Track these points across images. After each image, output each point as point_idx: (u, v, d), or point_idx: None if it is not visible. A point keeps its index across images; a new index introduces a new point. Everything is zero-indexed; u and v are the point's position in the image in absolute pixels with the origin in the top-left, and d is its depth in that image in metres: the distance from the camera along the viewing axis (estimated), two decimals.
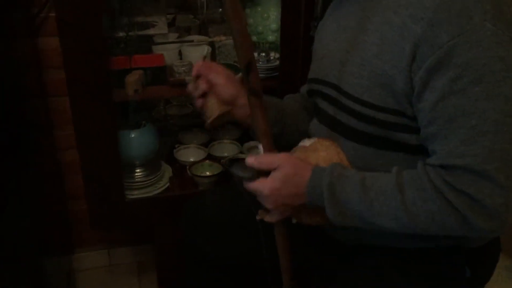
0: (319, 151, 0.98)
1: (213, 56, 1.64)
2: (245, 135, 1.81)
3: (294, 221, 1.01)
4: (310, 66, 1.20)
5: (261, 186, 0.91)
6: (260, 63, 1.53)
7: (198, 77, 1.04)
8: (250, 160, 0.92)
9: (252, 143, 1.77)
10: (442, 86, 0.81)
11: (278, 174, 0.90)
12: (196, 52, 1.57)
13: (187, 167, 1.65)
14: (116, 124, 1.40)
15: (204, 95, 1.04)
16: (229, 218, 1.20)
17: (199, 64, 1.04)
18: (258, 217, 0.99)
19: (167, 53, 1.52)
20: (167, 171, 1.66)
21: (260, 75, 1.52)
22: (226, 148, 1.77)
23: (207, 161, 1.68)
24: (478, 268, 1.04)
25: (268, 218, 0.98)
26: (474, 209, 0.80)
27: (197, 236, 1.22)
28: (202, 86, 1.03)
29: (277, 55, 1.56)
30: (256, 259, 1.17)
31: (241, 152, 1.73)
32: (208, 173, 1.65)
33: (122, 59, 1.45)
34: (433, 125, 0.84)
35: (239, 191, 1.26)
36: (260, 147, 0.94)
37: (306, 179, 0.91)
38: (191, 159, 1.71)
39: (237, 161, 0.96)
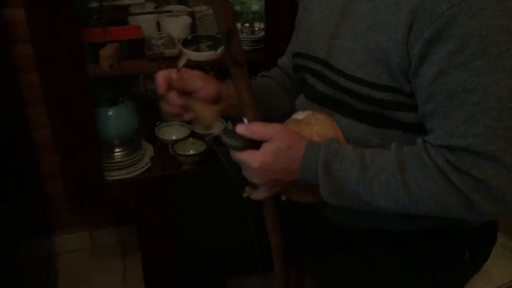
0: (313, 125, 0.92)
1: (193, 28, 1.54)
2: None
3: (283, 198, 0.95)
4: (294, 38, 1.13)
5: (250, 157, 0.83)
6: (244, 34, 1.44)
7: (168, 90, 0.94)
8: (241, 128, 0.84)
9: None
10: (441, 59, 0.74)
11: (270, 147, 0.83)
12: (175, 23, 1.48)
13: (170, 145, 1.57)
14: (92, 101, 1.31)
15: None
16: (216, 202, 1.14)
17: (163, 79, 0.93)
18: (244, 194, 0.93)
19: (144, 24, 1.43)
20: (148, 150, 1.58)
21: (244, 48, 1.45)
22: None
23: (191, 139, 1.60)
24: (476, 250, 1.01)
25: (255, 195, 0.91)
26: (479, 191, 0.75)
27: (183, 222, 1.16)
28: (177, 101, 0.93)
29: (262, 26, 1.47)
30: (246, 244, 1.11)
31: (226, 129, 1.65)
32: (191, 152, 1.58)
33: (96, 32, 1.36)
34: (431, 102, 0.78)
35: (224, 168, 1.21)
36: (245, 120, 0.86)
37: (300, 154, 0.84)
38: (174, 137, 1.63)
39: (227, 130, 0.89)
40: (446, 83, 0.75)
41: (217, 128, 1.67)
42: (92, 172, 1.40)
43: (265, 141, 0.83)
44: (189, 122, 1.68)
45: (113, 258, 1.91)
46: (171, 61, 1.38)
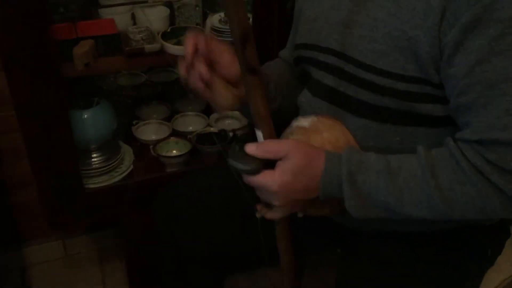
0: (322, 132, 0.84)
1: (171, 19, 1.43)
2: (210, 106, 1.63)
3: (300, 215, 0.88)
4: (294, 28, 1.05)
5: (267, 180, 0.76)
6: (228, 25, 1.34)
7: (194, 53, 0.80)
8: (251, 148, 0.76)
9: (219, 114, 1.60)
10: (480, 46, 0.69)
11: (287, 165, 0.75)
12: (152, 15, 1.36)
13: (151, 146, 1.46)
14: (67, 104, 1.19)
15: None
16: (208, 207, 1.06)
17: (193, 39, 0.80)
18: (258, 214, 0.85)
19: (117, 18, 1.31)
20: (128, 152, 1.47)
21: (229, 40, 1.36)
22: (191, 122, 1.59)
23: (173, 138, 1.50)
24: (494, 245, 0.99)
25: (270, 215, 0.84)
26: None
27: (173, 228, 1.08)
28: (204, 71, 0.80)
29: (248, 16, 1.38)
30: (240, 251, 1.08)
31: (209, 125, 1.56)
32: (175, 152, 1.48)
33: (65, 27, 1.22)
34: (468, 94, 0.72)
35: (211, 167, 1.13)
36: (260, 134, 0.78)
37: (320, 170, 0.77)
38: (153, 137, 1.52)
39: (234, 148, 0.79)
40: (486, 72, 0.70)
41: (199, 125, 1.57)
42: (71, 182, 1.28)
43: (280, 159, 0.75)
44: (169, 120, 1.57)
45: (90, 266, 1.81)
46: (153, 57, 1.28)
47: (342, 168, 0.76)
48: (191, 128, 1.57)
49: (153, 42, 1.27)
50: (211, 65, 0.82)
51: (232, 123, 1.61)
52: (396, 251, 0.92)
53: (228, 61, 0.83)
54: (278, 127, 0.84)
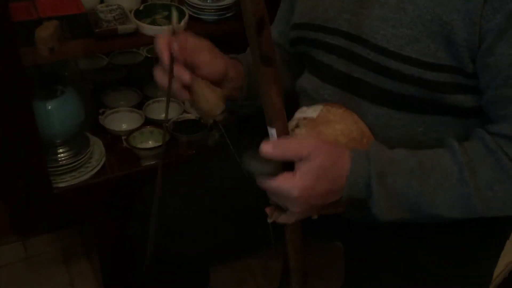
0: (333, 123, 0.76)
1: None
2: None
3: (315, 217, 0.79)
4: (286, 3, 0.96)
5: (287, 185, 0.66)
6: (209, 1, 1.22)
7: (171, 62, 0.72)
8: (268, 148, 0.66)
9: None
10: None
11: (309, 167, 0.66)
12: None
13: (123, 137, 1.33)
14: (30, 94, 1.04)
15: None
16: (193, 203, 0.97)
17: (166, 44, 0.72)
18: (270, 220, 0.76)
19: None
20: (98, 145, 1.32)
21: (210, 18, 1.24)
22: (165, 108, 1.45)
23: (147, 127, 1.37)
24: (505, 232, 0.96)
25: (283, 219, 0.75)
26: None
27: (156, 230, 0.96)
28: (184, 76, 0.71)
29: None
30: (226, 245, 0.99)
31: (185, 112, 1.44)
32: (150, 143, 1.35)
33: (23, 7, 1.07)
34: (510, 86, 0.66)
35: (199, 167, 1.05)
36: (273, 132, 0.68)
37: (345, 170, 0.69)
38: (125, 126, 1.38)
39: (246, 149, 0.69)
40: None
41: (174, 112, 1.45)
42: (37, 181, 1.13)
43: (299, 160, 0.67)
44: (140, 107, 1.44)
45: (55, 267, 1.66)
46: (127, 39, 1.14)
47: (371, 168, 0.69)
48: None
49: (126, 23, 1.13)
50: (190, 66, 0.74)
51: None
52: (406, 244, 0.87)
53: (207, 60, 0.76)
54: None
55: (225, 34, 1.24)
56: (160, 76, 0.74)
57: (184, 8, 1.22)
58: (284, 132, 0.69)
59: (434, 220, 0.74)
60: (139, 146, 1.33)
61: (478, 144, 0.70)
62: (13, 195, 1.12)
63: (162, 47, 0.71)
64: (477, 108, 0.73)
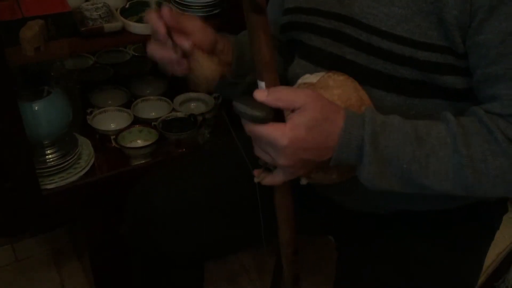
0: (332, 88, 0.74)
1: None
2: (172, 88, 1.50)
3: (303, 182, 0.78)
4: None
5: (277, 132, 0.64)
6: None
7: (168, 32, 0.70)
8: (261, 94, 0.64)
9: (183, 97, 1.47)
10: None
11: (302, 118, 0.64)
12: None
13: (112, 137, 1.32)
14: (15, 95, 1.03)
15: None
16: (186, 201, 0.95)
17: (158, 16, 0.70)
18: (256, 179, 0.73)
19: None
20: (86, 146, 1.31)
21: (197, 15, 1.23)
22: (153, 107, 1.45)
23: (136, 126, 1.36)
24: (498, 220, 0.96)
25: (269, 180, 0.72)
26: None
27: (149, 229, 0.96)
28: (184, 43, 0.70)
29: None
30: (221, 240, 0.97)
31: (174, 110, 1.43)
32: (140, 142, 1.34)
33: (6, 6, 1.05)
34: (499, 64, 0.67)
35: (189, 164, 1.04)
36: (262, 84, 0.66)
37: (338, 127, 0.67)
38: (113, 126, 1.37)
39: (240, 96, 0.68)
40: None
41: (163, 110, 1.43)
42: (25, 183, 1.12)
43: (292, 111, 0.65)
44: (128, 106, 1.42)
45: (45, 270, 1.64)
46: (113, 37, 1.13)
47: (365, 128, 0.67)
48: (153, 114, 1.43)
49: (112, 21, 1.11)
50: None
51: (198, 106, 1.48)
52: (399, 233, 0.87)
53: (198, 25, 0.73)
54: None
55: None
56: (156, 50, 0.72)
57: (170, 5, 1.20)
58: (273, 83, 0.66)
59: (425, 192, 0.72)
60: (128, 145, 1.31)
61: (472, 118, 0.69)
62: (0, 197, 1.10)
63: (155, 19, 0.69)
64: (468, 90, 0.73)
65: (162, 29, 0.69)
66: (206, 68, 0.72)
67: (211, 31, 0.76)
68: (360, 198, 0.85)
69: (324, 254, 1.10)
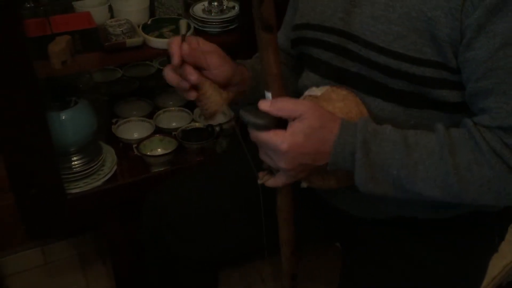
0: (335, 101, 0.80)
1: (151, 10, 1.35)
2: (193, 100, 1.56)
3: (304, 185, 0.84)
4: (292, 8, 1.00)
5: (277, 138, 0.71)
6: (213, 15, 1.27)
7: (181, 63, 0.77)
8: (265, 104, 0.71)
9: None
10: (505, 30, 0.67)
11: (300, 125, 0.71)
12: (131, 7, 1.27)
13: (134, 145, 1.38)
14: (43, 105, 1.10)
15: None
16: (201, 207, 1.01)
17: (178, 45, 0.76)
18: (259, 181, 0.80)
19: (94, 10, 1.22)
20: (110, 153, 1.38)
21: (214, 30, 1.29)
22: (175, 118, 1.52)
23: (157, 135, 1.42)
24: (501, 231, 0.98)
25: (271, 182, 0.79)
26: None
27: (164, 234, 1.02)
28: (193, 77, 0.76)
29: (231, 4, 1.31)
30: (235, 248, 1.03)
31: (194, 121, 1.49)
32: (160, 151, 1.40)
33: (38, 23, 1.13)
34: (489, 79, 0.70)
35: (206, 173, 1.08)
36: (269, 95, 0.73)
37: (333, 134, 0.73)
38: (136, 135, 1.44)
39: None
40: (509, 57, 0.67)
41: (183, 121, 1.50)
42: (51, 188, 1.19)
43: (293, 119, 0.71)
44: (150, 117, 1.49)
45: (72, 272, 1.71)
46: (135, 52, 1.20)
47: (356, 135, 0.72)
48: (174, 124, 1.50)
49: (134, 36, 1.19)
50: (199, 68, 0.79)
51: (217, 117, 1.54)
52: (401, 240, 0.90)
53: (216, 63, 0.80)
54: None
55: (229, 45, 1.29)
56: (170, 75, 0.79)
57: (189, 22, 1.27)
58: (279, 95, 0.73)
59: (417, 198, 0.76)
60: (149, 153, 1.38)
61: (462, 130, 0.73)
62: (26, 201, 1.18)
63: (174, 49, 0.76)
64: (462, 103, 0.76)
65: (176, 60, 0.76)
66: (212, 101, 0.78)
67: (229, 67, 0.82)
68: (361, 204, 0.89)
69: (326, 261, 1.12)
